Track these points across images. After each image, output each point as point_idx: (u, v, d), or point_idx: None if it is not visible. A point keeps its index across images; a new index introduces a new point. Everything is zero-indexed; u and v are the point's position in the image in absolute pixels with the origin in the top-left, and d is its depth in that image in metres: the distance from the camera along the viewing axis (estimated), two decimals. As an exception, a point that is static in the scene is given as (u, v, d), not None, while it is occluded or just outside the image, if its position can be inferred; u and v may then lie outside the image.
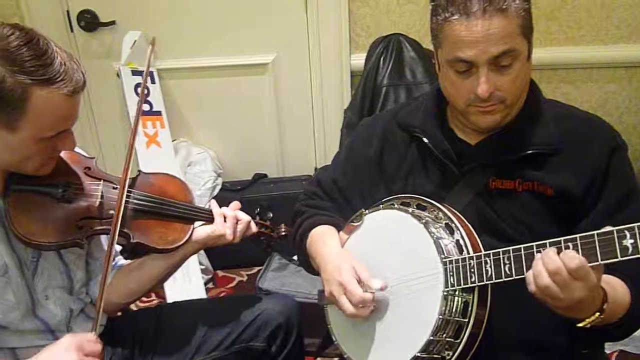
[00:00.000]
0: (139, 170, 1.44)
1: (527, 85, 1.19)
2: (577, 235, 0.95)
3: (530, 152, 1.18)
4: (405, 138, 1.33)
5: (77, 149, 1.31)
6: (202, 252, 2.55)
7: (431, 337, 1.07)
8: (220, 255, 2.60)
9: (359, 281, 1.16)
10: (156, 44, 2.50)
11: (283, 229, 1.61)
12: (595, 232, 0.93)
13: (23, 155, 1.15)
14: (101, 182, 1.31)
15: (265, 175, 2.74)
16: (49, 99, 1.08)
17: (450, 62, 1.14)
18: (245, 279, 2.67)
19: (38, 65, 1.06)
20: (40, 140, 1.12)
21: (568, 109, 1.28)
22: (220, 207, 1.45)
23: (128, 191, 1.32)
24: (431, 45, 2.40)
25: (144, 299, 2.41)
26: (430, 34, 1.20)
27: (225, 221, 1.41)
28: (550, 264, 0.94)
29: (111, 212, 1.27)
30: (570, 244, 0.95)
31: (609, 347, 2.06)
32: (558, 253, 0.95)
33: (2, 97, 1.05)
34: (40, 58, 1.06)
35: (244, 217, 1.44)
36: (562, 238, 0.97)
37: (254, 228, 1.48)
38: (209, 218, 1.42)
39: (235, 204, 1.46)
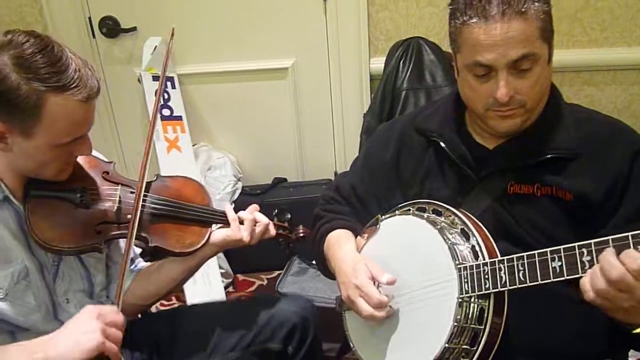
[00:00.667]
0: (157, 174, 1.45)
1: (547, 88, 1.18)
2: (592, 241, 0.93)
3: (550, 156, 1.16)
4: (422, 142, 1.32)
5: (95, 153, 1.32)
6: (222, 255, 2.57)
7: (446, 345, 1.05)
8: (241, 259, 2.61)
9: (372, 279, 1.16)
10: (177, 49, 2.54)
11: (301, 230, 1.60)
12: (610, 237, 0.90)
13: (39, 162, 1.16)
14: (119, 186, 1.32)
15: (284, 180, 2.74)
16: (63, 105, 1.09)
17: (468, 66, 1.13)
18: (265, 282, 2.67)
19: (52, 72, 1.07)
20: (56, 147, 1.14)
21: (589, 113, 1.25)
22: (239, 211, 1.45)
23: (145, 195, 1.33)
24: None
25: (164, 302, 2.44)
26: (449, 38, 1.19)
27: (242, 223, 1.41)
28: (613, 271, 0.88)
29: (129, 216, 1.28)
30: (585, 250, 0.93)
31: (633, 354, 2.02)
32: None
33: (18, 104, 1.06)
34: (55, 65, 1.08)
35: (263, 220, 1.44)
36: (576, 244, 0.95)
37: (272, 231, 1.48)
38: (226, 221, 1.42)
39: (254, 206, 1.46)
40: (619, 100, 2.51)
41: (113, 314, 1.14)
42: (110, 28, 2.52)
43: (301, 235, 1.60)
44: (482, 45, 1.08)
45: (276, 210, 1.59)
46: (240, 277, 2.71)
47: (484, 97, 1.14)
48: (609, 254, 0.90)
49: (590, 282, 0.92)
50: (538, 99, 1.15)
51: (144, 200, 1.32)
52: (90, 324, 1.10)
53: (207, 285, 2.38)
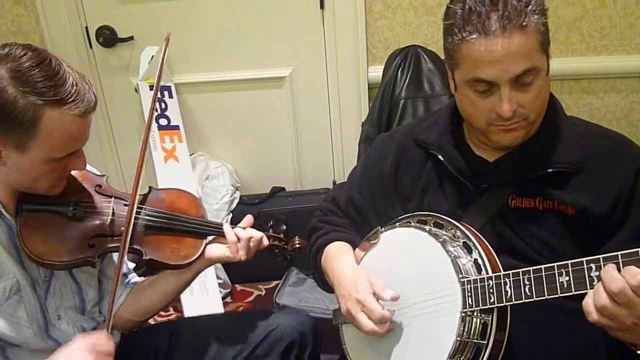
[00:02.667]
0: (150, 187, 1.44)
1: (547, 99, 1.16)
2: (601, 256, 0.91)
3: (551, 170, 1.14)
4: (421, 155, 1.30)
5: (88, 167, 1.31)
6: (220, 266, 2.55)
7: (448, 360, 1.03)
8: (238, 269, 2.55)
9: (374, 294, 1.13)
10: (174, 58, 2.53)
11: (297, 242, 1.58)
12: (619, 252, 0.89)
13: (33, 176, 1.15)
14: (112, 199, 1.31)
15: (283, 189, 2.72)
16: (60, 119, 1.08)
17: (469, 82, 1.10)
18: (263, 293, 2.65)
19: (50, 86, 1.06)
20: (50, 161, 1.12)
21: (590, 127, 1.24)
22: (237, 221, 1.43)
23: (139, 207, 1.32)
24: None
25: (162, 312, 2.41)
26: (444, 53, 1.16)
27: (238, 241, 1.39)
28: (613, 283, 0.87)
29: (123, 229, 1.26)
30: (593, 265, 0.91)
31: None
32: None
33: (14, 118, 1.05)
34: (52, 79, 1.06)
35: (256, 235, 1.42)
36: (584, 259, 0.92)
37: (265, 241, 1.46)
38: (221, 233, 1.40)
39: (248, 218, 1.44)
40: (617, 109, 2.50)
41: (105, 344, 1.12)
42: (107, 38, 2.51)
43: (297, 246, 1.59)
44: (483, 62, 1.06)
45: (271, 222, 1.58)
46: (239, 287, 2.68)
47: (485, 113, 1.12)
48: (610, 267, 0.88)
49: (593, 299, 0.90)
50: (540, 111, 1.14)
51: (137, 213, 1.31)
52: (82, 354, 1.08)
53: (204, 296, 2.35)
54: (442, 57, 2.30)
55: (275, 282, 2.63)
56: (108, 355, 1.11)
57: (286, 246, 1.57)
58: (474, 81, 1.09)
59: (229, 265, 2.58)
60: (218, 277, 2.50)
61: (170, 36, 1.37)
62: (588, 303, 0.91)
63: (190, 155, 2.58)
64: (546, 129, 1.18)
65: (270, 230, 1.53)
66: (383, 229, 1.26)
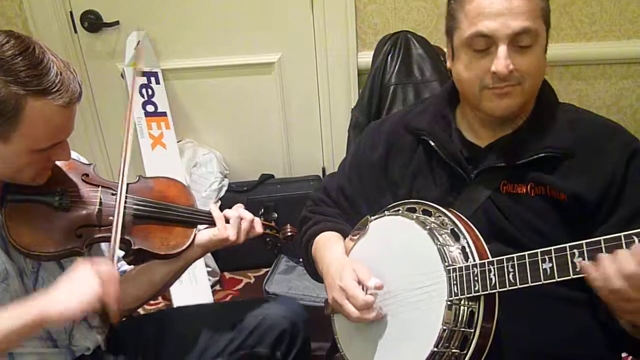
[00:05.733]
0: (139, 175, 1.42)
1: (542, 77, 1.16)
2: (584, 242, 0.90)
3: (543, 155, 1.14)
4: (412, 141, 1.29)
5: (74, 155, 1.29)
6: (209, 254, 2.54)
7: (435, 349, 1.03)
8: (227, 257, 2.58)
9: (359, 283, 1.13)
10: (161, 43, 2.50)
11: (289, 230, 1.58)
12: (602, 237, 0.89)
13: (16, 167, 1.12)
14: (99, 188, 1.29)
15: (272, 176, 2.71)
16: (43, 110, 1.05)
17: (468, 40, 1.10)
18: (252, 280, 2.65)
19: (33, 76, 1.03)
20: (33, 152, 1.10)
21: (583, 113, 1.23)
22: (226, 208, 1.42)
23: (127, 197, 1.30)
24: (439, 42, 2.36)
25: (150, 301, 2.41)
26: (446, 19, 1.18)
27: (227, 222, 1.38)
28: (627, 266, 0.85)
29: (110, 218, 1.25)
30: (576, 250, 0.91)
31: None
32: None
33: None
34: (36, 68, 1.03)
35: (247, 216, 1.41)
36: (567, 245, 0.92)
37: (258, 227, 1.45)
38: (211, 221, 1.39)
39: (239, 205, 1.43)
40: (607, 95, 2.50)
41: (108, 265, 1.12)
42: (92, 22, 2.47)
43: (289, 234, 1.58)
44: (484, 15, 1.07)
45: (262, 210, 1.57)
46: (227, 275, 2.68)
47: (480, 74, 1.11)
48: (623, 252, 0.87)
49: (604, 279, 0.88)
50: (535, 82, 1.14)
51: (126, 202, 1.29)
52: (86, 273, 1.08)
53: (193, 284, 2.35)
54: (432, 42, 2.32)
55: (264, 270, 2.63)
56: (111, 276, 1.10)
57: (278, 234, 1.56)
58: (474, 36, 1.09)
59: (217, 253, 2.57)
60: (207, 265, 2.49)
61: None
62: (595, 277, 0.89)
63: (178, 142, 2.56)
64: (539, 113, 1.18)
65: (262, 219, 1.51)
66: (372, 217, 1.25)
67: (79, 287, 1.06)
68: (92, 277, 1.07)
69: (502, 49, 1.08)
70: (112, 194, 1.29)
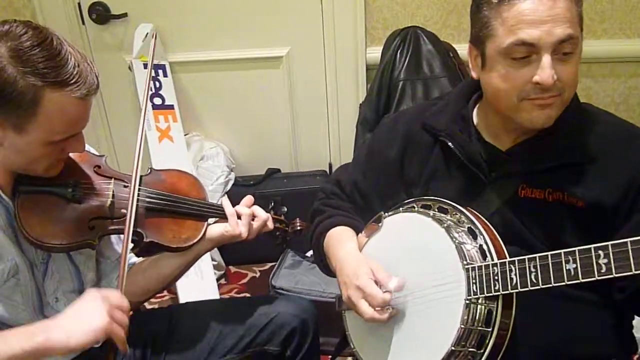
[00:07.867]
0: (150, 167, 1.41)
1: (577, 86, 1.12)
2: (609, 243, 0.89)
3: (563, 161, 1.12)
4: (429, 140, 1.27)
5: (86, 147, 1.28)
6: (214, 248, 2.53)
7: (452, 348, 1.02)
8: (233, 251, 2.57)
9: (376, 282, 1.12)
10: (169, 36, 2.49)
11: (298, 224, 1.57)
12: (628, 239, 0.87)
13: (30, 158, 1.12)
14: (112, 180, 1.28)
15: (278, 170, 2.70)
16: (60, 102, 1.04)
17: (506, 50, 1.05)
18: (258, 275, 2.64)
19: (51, 67, 1.02)
20: (48, 144, 1.09)
21: (604, 116, 1.21)
22: (233, 202, 1.41)
23: (140, 189, 1.29)
24: (449, 38, 2.31)
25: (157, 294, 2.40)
26: (475, 28, 1.12)
27: (239, 219, 1.37)
28: None
29: (123, 211, 1.24)
30: (601, 252, 0.90)
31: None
32: None
33: (13, 99, 1.01)
34: (54, 59, 1.03)
35: (261, 214, 1.40)
36: (592, 246, 0.91)
37: (271, 225, 1.44)
38: (222, 214, 1.39)
39: (249, 198, 1.42)
40: (616, 93, 2.49)
41: (118, 297, 1.11)
42: (100, 14, 2.45)
43: (298, 228, 1.57)
44: (526, 22, 1.02)
45: (272, 204, 1.55)
46: (233, 269, 2.67)
47: (520, 85, 1.06)
48: None
49: None
50: (572, 92, 1.10)
51: (139, 195, 1.28)
52: (95, 305, 1.06)
53: (199, 278, 2.34)
54: (442, 38, 2.31)
55: (270, 264, 2.62)
56: (120, 308, 1.09)
57: (287, 228, 1.55)
58: (514, 45, 1.04)
59: (223, 247, 2.54)
60: (212, 259, 2.48)
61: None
62: None
63: (185, 135, 2.55)
64: (562, 119, 1.14)
65: (272, 212, 1.50)
66: (386, 214, 1.24)
67: (88, 317, 1.04)
68: (102, 310, 1.05)
69: (547, 59, 1.03)
70: (125, 186, 1.28)
